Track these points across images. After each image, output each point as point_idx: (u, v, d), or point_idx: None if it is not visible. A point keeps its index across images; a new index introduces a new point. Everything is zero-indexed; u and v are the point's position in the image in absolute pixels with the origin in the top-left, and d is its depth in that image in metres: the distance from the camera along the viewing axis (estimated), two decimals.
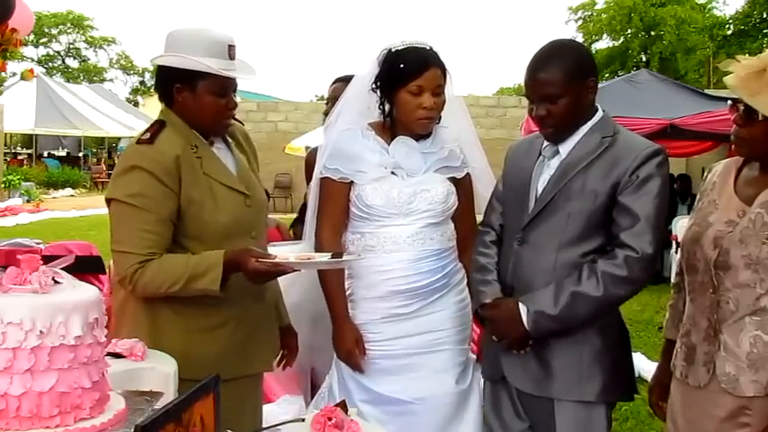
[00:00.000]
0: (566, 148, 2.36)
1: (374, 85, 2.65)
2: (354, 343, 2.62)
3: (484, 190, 2.76)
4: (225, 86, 2.37)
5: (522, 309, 2.30)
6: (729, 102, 2.22)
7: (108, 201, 2.33)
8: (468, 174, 2.74)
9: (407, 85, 2.56)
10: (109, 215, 2.34)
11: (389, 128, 2.67)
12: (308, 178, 3.57)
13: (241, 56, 2.42)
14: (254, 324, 2.47)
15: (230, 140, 2.53)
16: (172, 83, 2.35)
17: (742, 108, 2.11)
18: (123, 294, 2.36)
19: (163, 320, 2.33)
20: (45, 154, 28.23)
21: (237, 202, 2.40)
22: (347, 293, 2.71)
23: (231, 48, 2.37)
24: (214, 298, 2.27)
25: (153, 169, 2.24)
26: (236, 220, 2.39)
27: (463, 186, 2.73)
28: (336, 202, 2.66)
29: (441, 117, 2.70)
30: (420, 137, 2.67)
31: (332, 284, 2.65)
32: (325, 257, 2.37)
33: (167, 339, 2.27)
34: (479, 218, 2.70)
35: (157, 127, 2.34)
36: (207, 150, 2.40)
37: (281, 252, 2.47)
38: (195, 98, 2.34)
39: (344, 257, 2.43)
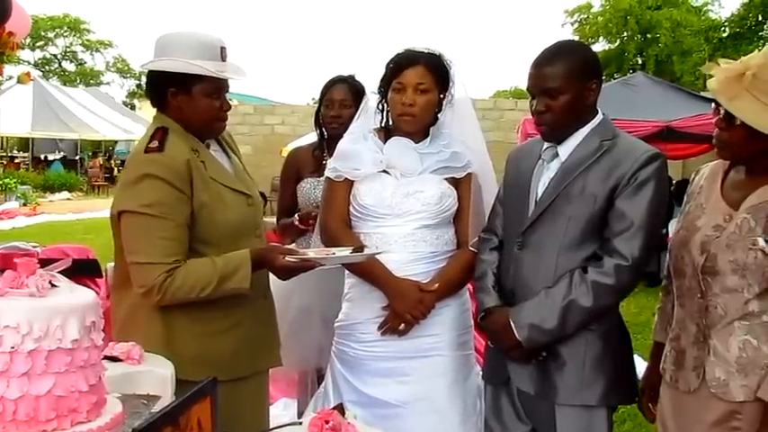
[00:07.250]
0: (565, 150, 2.36)
1: (378, 89, 2.72)
2: (416, 289, 2.57)
3: (487, 196, 2.74)
4: (219, 88, 2.37)
5: (513, 322, 2.31)
6: (713, 105, 2.21)
7: (119, 213, 2.27)
8: (469, 174, 2.71)
9: (392, 82, 2.63)
10: (119, 228, 2.28)
11: (386, 129, 2.72)
12: (283, 178, 3.59)
13: (233, 58, 2.43)
14: (264, 321, 2.50)
15: (223, 142, 2.54)
16: (166, 87, 2.35)
17: (723, 111, 2.10)
18: (132, 301, 2.32)
19: (178, 326, 2.31)
20: (43, 157, 28.17)
21: (241, 203, 2.42)
22: (346, 293, 2.73)
23: (223, 49, 2.37)
24: (229, 300, 2.28)
25: (166, 176, 2.22)
26: (243, 221, 2.40)
27: (463, 187, 2.70)
28: (337, 201, 2.69)
29: (437, 118, 2.70)
30: (418, 138, 2.68)
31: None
32: (346, 251, 2.41)
33: (182, 344, 2.28)
34: None
35: (162, 134, 2.31)
36: (207, 154, 2.40)
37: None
38: (191, 102, 2.34)
39: (365, 251, 2.45)
